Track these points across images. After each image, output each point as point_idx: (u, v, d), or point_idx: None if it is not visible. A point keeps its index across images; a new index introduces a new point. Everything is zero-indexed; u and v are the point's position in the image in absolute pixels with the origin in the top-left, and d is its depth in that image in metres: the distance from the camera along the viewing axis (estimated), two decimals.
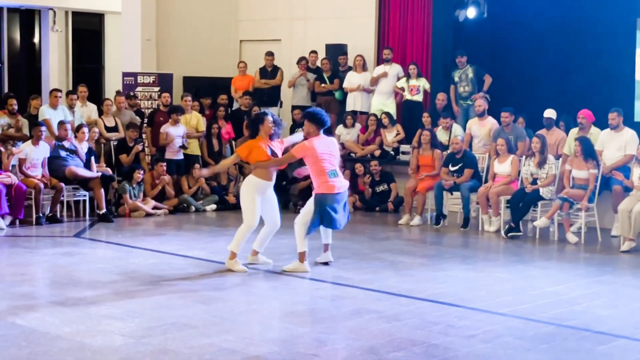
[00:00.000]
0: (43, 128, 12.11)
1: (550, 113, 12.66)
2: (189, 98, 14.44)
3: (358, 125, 15.02)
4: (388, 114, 14.70)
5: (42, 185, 11.80)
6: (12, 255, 9.82)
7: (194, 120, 14.25)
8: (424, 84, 14.88)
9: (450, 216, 12.76)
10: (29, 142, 12.07)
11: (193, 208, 13.42)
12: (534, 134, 12.02)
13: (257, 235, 9.19)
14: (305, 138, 9.02)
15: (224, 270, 8.92)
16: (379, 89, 15.16)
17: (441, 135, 13.50)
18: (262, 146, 8.79)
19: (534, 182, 11.57)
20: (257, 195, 8.82)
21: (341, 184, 8.93)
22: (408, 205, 12.71)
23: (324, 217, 8.83)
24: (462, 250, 10.65)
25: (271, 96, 16.16)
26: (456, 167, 12.40)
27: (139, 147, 13.32)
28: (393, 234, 11.76)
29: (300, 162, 9.35)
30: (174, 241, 10.78)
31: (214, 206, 13.58)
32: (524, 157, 12.00)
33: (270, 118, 8.89)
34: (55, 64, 18.30)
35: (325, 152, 8.81)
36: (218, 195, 13.71)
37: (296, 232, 8.96)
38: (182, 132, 13.84)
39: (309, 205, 8.96)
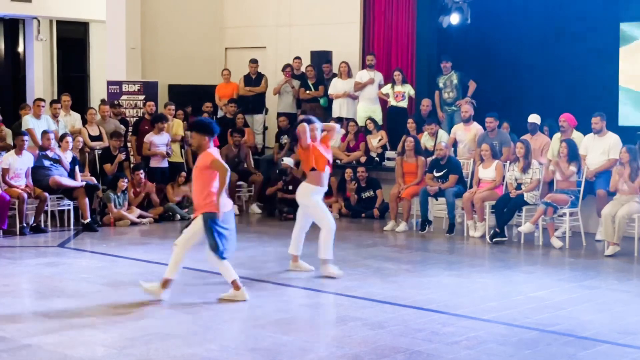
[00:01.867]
0: (26, 137, 12.05)
1: (534, 118, 12.69)
2: (172, 107, 14.41)
3: (342, 132, 14.99)
4: (373, 120, 14.72)
5: (25, 195, 11.74)
6: None
7: (175, 126, 14.22)
8: (408, 90, 14.91)
9: (436, 222, 12.76)
10: (12, 151, 12.01)
11: (178, 216, 13.37)
12: (518, 139, 12.04)
13: (291, 241, 9.39)
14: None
15: (208, 278, 8.88)
16: (365, 95, 15.18)
17: (427, 141, 13.50)
18: (320, 149, 9.07)
19: (519, 187, 11.58)
20: (318, 197, 9.11)
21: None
22: (393, 211, 12.70)
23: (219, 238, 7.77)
24: (448, 256, 10.65)
25: (256, 103, 16.16)
26: (441, 173, 12.40)
27: (122, 156, 13.27)
28: (379, 240, 11.75)
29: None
30: (159, 250, 10.71)
31: None
32: (508, 162, 12.01)
33: (317, 124, 9.19)
34: (40, 73, 18.25)
35: None
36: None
37: (174, 253, 7.90)
38: (167, 140, 13.80)
39: (194, 228, 7.84)
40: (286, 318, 7.27)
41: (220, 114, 16.09)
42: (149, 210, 13.17)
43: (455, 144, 13.23)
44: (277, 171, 14.36)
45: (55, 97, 15.94)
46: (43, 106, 13.07)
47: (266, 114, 16.51)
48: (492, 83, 14.99)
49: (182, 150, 14.32)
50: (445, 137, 13.40)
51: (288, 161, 14.09)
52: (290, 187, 13.81)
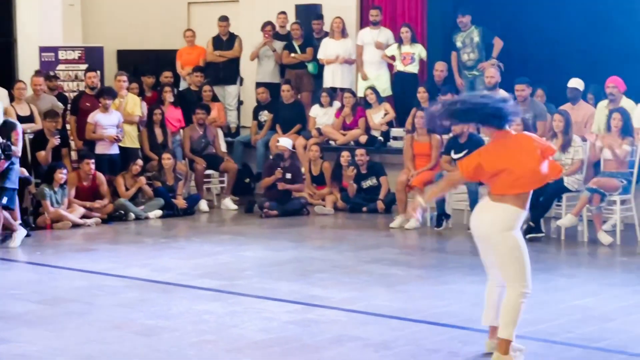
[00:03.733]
0: None
1: (575, 83, 12.71)
2: (124, 78, 14.38)
3: (337, 105, 15.02)
4: (374, 90, 14.72)
5: None
6: None
7: (130, 104, 14.18)
8: (419, 51, 14.91)
9: (455, 216, 12.78)
10: None
11: (132, 215, 13.36)
12: (555, 110, 12.04)
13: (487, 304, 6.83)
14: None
15: (169, 292, 8.88)
16: (366, 58, 15.17)
17: None
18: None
19: None
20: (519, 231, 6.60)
21: None
22: (402, 203, 12.71)
23: None
24: (470, 258, 10.63)
25: (228, 72, 16.16)
26: (460, 155, 12.40)
27: (56, 140, 13.20)
28: (384, 240, 11.77)
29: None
30: (108, 258, 10.70)
31: (158, 212, 13.52)
32: (544, 139, 12.01)
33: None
34: None
35: None
36: (163, 198, 13.65)
37: None
38: (117, 120, 13.78)
39: None
40: (269, 339, 7.26)
41: (183, 85, 16.08)
42: (94, 209, 13.15)
43: None
44: (272, 157, 14.36)
45: None
46: None
47: (241, 84, 16.51)
48: (522, 41, 14.98)
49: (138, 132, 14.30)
50: None
51: (286, 142, 14.07)
52: (289, 176, 13.79)
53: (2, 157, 11.22)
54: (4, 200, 11.28)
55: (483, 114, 6.15)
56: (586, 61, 14.87)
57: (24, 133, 13.44)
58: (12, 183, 11.37)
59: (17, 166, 11.56)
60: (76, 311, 8.17)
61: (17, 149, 11.51)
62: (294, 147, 14.33)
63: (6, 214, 11.38)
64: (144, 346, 7.08)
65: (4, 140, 11.26)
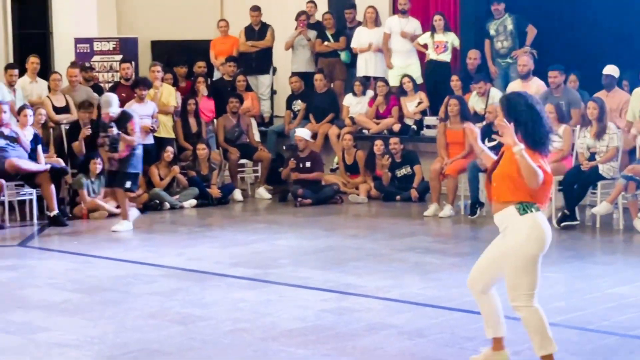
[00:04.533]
0: None
1: (611, 70, 12.61)
2: (159, 68, 14.42)
3: (370, 93, 15.01)
4: (410, 78, 14.70)
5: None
6: None
7: (165, 94, 14.23)
8: (452, 39, 14.85)
9: (489, 204, 12.70)
10: None
11: (167, 205, 13.42)
12: (590, 98, 11.96)
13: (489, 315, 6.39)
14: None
15: (204, 281, 8.92)
16: (396, 46, 15.14)
17: (476, 103, 13.48)
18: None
19: (592, 157, 11.53)
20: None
21: None
22: (436, 192, 12.69)
23: None
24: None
25: (261, 61, 16.18)
26: (494, 143, 12.32)
27: (87, 130, 13.26)
28: (418, 228, 11.76)
29: None
30: (143, 247, 10.78)
31: (193, 202, 13.58)
32: (578, 126, 11.96)
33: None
34: None
35: None
36: (198, 187, 13.70)
37: None
38: (152, 110, 13.82)
39: None
40: (303, 327, 7.27)
41: (216, 75, 16.11)
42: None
43: None
44: (285, 146, 14.39)
45: (11, 61, 15.96)
46: None
47: (274, 74, 16.51)
48: (556, 28, 14.87)
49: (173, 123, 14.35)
50: (498, 96, 13.33)
51: (302, 133, 14.09)
52: (308, 165, 13.83)
53: (111, 149, 11.75)
54: (128, 184, 11.77)
55: (538, 137, 5.94)
56: (621, 48, 14.74)
57: (59, 123, 13.57)
58: (134, 168, 11.89)
59: (138, 152, 11.97)
60: (112, 300, 8.24)
61: (133, 139, 11.81)
62: (315, 136, 14.39)
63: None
64: (180, 334, 7.11)
65: (114, 134, 11.64)
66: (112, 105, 11.89)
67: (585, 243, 10.66)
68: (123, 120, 11.86)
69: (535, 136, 5.86)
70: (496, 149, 12.27)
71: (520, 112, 5.88)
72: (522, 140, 5.80)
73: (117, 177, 11.90)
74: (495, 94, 13.49)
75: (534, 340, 5.91)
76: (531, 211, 5.84)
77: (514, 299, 5.91)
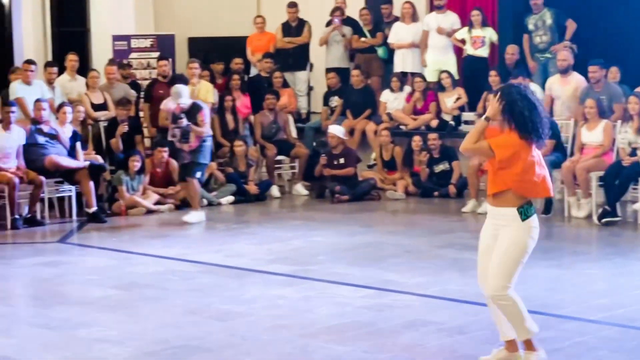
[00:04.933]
0: (14, 109, 12.20)
1: None
2: (196, 65, 14.43)
3: (408, 89, 14.98)
4: (449, 73, 14.66)
5: (17, 180, 11.89)
6: None
7: (202, 91, 14.24)
8: (490, 34, 14.79)
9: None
10: None
11: (205, 201, 13.44)
12: (631, 92, 11.86)
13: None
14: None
15: (243, 277, 8.94)
16: (433, 42, 15.09)
17: None
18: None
19: (634, 153, 11.44)
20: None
21: None
22: (474, 188, 12.64)
23: None
24: (544, 242, 10.43)
25: (298, 57, 16.18)
26: None
27: (124, 127, 13.32)
28: (456, 224, 11.74)
29: None
30: (181, 243, 10.82)
31: (231, 198, 13.61)
32: (619, 121, 11.86)
33: None
34: (30, 29, 18.39)
35: None
36: (235, 184, 13.72)
37: None
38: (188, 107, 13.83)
39: None
40: (342, 324, 7.28)
41: (253, 71, 16.13)
42: (167, 195, 13.26)
43: (550, 102, 13.11)
44: (315, 143, 14.39)
45: (50, 59, 16.07)
46: (33, 70, 13.22)
47: (311, 70, 16.51)
48: (596, 22, 14.76)
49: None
50: (537, 92, 13.27)
51: (335, 130, 14.07)
52: (342, 161, 13.82)
53: (182, 140, 11.94)
54: (198, 174, 12.05)
55: (532, 128, 5.97)
56: None
57: (97, 120, 13.65)
58: (205, 159, 12.18)
59: (208, 143, 12.22)
60: (152, 296, 8.28)
61: (203, 130, 12.05)
62: (352, 133, 14.40)
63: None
64: (219, 331, 7.13)
65: (185, 125, 11.87)
66: (182, 97, 12.11)
67: (627, 239, 10.57)
68: (193, 111, 12.07)
69: (528, 127, 5.90)
70: None
71: (514, 102, 5.89)
72: (515, 130, 5.88)
73: (186, 167, 12.18)
74: (534, 89, 13.40)
75: (514, 327, 6.06)
76: (530, 214, 6.01)
77: (495, 289, 6.03)
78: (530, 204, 6.01)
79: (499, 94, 6.01)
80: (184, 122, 11.93)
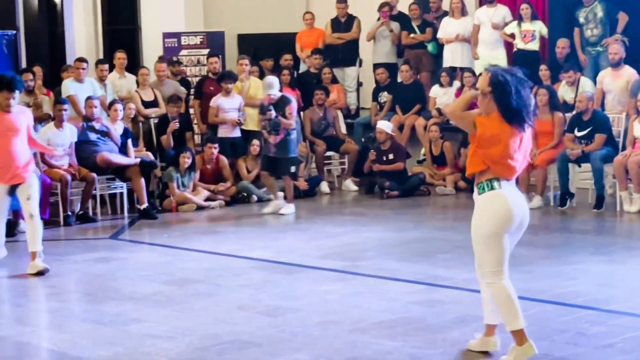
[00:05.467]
0: (66, 106, 12.33)
1: None
2: (246, 61, 14.50)
3: (457, 84, 14.92)
4: None
5: (69, 177, 12.02)
6: None
7: (252, 87, 14.30)
8: (540, 28, 14.68)
9: (579, 195, 12.58)
10: (51, 124, 12.30)
11: (255, 197, 13.50)
12: None
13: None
14: None
15: (293, 273, 8.97)
16: (483, 37, 15.02)
17: (566, 93, 13.32)
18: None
19: None
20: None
21: None
22: (524, 182, 12.53)
23: None
24: (596, 237, 10.52)
25: (347, 53, 16.18)
26: (584, 132, 12.22)
27: (175, 124, 13.41)
28: None
29: None
30: (232, 239, 10.87)
31: (280, 194, 13.63)
32: None
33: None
34: (82, 27, 18.57)
35: None
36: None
37: None
38: (238, 104, 13.91)
39: None
40: (393, 319, 7.27)
41: (302, 67, 16.16)
42: (217, 192, 13.32)
43: (602, 95, 13.00)
44: (363, 138, 14.38)
45: (101, 56, 16.23)
46: (84, 68, 13.35)
47: (360, 66, 16.51)
48: None
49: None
50: (588, 85, 13.18)
51: (384, 125, 14.05)
52: (391, 157, 13.81)
53: (273, 132, 12.21)
54: (292, 169, 12.45)
55: (513, 111, 5.94)
56: None
57: (148, 118, 13.76)
58: (293, 152, 12.48)
59: (293, 137, 12.46)
60: (203, 292, 8.33)
61: (291, 122, 12.31)
62: (402, 128, 14.38)
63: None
64: (270, 326, 7.16)
65: (275, 117, 12.15)
66: (273, 88, 12.38)
67: None
68: (281, 104, 12.29)
69: (510, 109, 5.91)
70: (586, 138, 12.18)
71: (503, 86, 5.90)
72: (499, 112, 5.92)
73: (279, 165, 12.47)
74: (585, 83, 13.32)
75: (503, 316, 6.07)
76: (491, 188, 5.98)
77: (480, 276, 6.23)
78: (492, 180, 6.01)
79: (489, 74, 5.99)
80: (272, 113, 12.16)
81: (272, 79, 12.63)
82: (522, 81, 5.95)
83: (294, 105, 12.46)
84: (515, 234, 6.25)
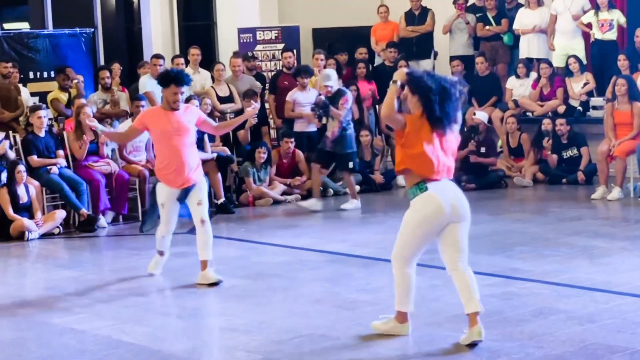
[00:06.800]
0: (143, 102, 12.47)
1: None
2: (322, 56, 14.54)
3: (534, 75, 14.79)
4: (577, 58, 14.43)
5: (147, 173, 12.17)
6: (116, 259, 10.22)
7: None
8: (617, 17, 14.51)
9: None
10: (129, 120, 12.45)
11: (331, 191, 13.53)
12: None
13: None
14: None
15: (369, 266, 8.97)
16: (560, 27, 14.87)
17: None
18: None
19: None
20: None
21: None
22: (603, 174, 12.43)
23: None
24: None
25: (422, 46, 16.13)
26: None
27: (254, 120, 13.46)
28: (585, 211, 11.56)
29: None
30: (308, 233, 10.91)
31: (357, 187, 13.65)
32: None
33: None
34: (158, 24, 18.78)
35: None
36: (361, 174, 13.76)
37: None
38: (314, 98, 13.92)
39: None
40: None
41: (377, 61, 16.15)
42: (294, 186, 13.37)
43: None
44: (465, 129, 14.25)
45: (177, 52, 16.38)
46: (161, 64, 13.49)
47: (435, 58, 16.44)
48: None
49: None
50: None
51: (481, 116, 13.97)
52: (483, 150, 13.69)
53: (320, 113, 12.32)
54: (351, 164, 12.42)
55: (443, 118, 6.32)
56: None
57: (224, 113, 13.86)
58: (350, 147, 12.46)
59: (350, 132, 12.47)
60: (280, 286, 8.38)
61: (340, 113, 12.27)
62: (490, 122, 14.23)
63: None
64: (346, 319, 7.18)
65: (324, 100, 12.30)
66: (330, 79, 12.45)
67: None
68: (337, 96, 12.36)
69: (436, 116, 6.30)
70: None
71: (424, 86, 6.31)
72: (424, 113, 6.32)
73: (336, 160, 12.51)
74: None
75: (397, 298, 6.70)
76: (421, 191, 6.59)
77: (392, 255, 6.86)
78: (420, 183, 6.48)
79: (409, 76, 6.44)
80: (322, 98, 12.30)
81: (330, 72, 12.70)
82: (448, 86, 6.29)
83: (348, 97, 12.45)
84: (458, 224, 6.93)
